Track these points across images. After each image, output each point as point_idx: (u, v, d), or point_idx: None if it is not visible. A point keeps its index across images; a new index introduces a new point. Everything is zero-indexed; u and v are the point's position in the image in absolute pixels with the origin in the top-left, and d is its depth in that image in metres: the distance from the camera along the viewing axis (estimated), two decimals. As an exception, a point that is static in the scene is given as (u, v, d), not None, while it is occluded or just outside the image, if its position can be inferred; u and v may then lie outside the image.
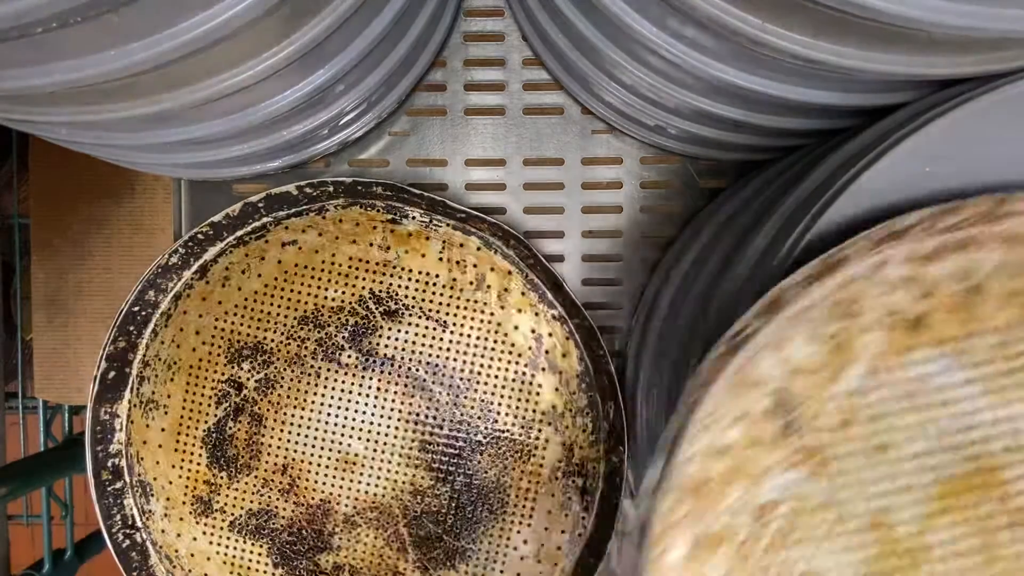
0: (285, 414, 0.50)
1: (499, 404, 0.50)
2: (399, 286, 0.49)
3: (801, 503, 0.27)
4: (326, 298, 0.50)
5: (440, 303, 0.49)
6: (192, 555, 0.49)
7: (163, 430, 0.49)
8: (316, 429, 0.50)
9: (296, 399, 0.50)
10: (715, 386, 0.26)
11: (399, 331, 0.50)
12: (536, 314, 0.49)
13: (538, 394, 0.49)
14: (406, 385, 0.50)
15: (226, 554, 0.50)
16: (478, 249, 0.48)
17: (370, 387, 0.50)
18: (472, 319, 0.49)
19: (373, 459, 0.50)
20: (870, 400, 0.27)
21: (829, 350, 0.26)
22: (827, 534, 0.27)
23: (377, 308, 0.50)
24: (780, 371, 0.26)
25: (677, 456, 0.25)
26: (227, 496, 0.50)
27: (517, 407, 0.50)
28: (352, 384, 0.50)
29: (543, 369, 0.49)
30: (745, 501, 0.26)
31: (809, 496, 0.27)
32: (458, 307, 0.49)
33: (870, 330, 0.26)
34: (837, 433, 0.27)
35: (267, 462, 0.50)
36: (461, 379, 0.50)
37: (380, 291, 0.50)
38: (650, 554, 0.25)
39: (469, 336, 0.50)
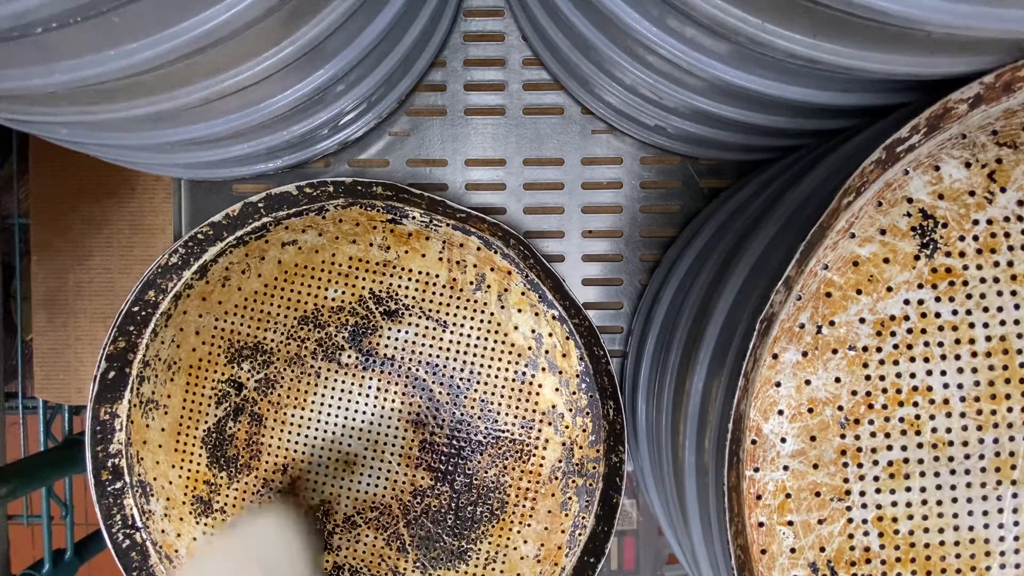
0: (285, 414, 0.50)
1: (499, 404, 0.50)
2: (399, 286, 0.49)
3: (926, 321, 0.28)
4: (326, 298, 0.50)
5: (440, 303, 0.49)
6: (192, 555, 0.49)
7: (163, 430, 0.49)
8: (316, 429, 0.50)
9: (296, 399, 0.50)
10: (862, 197, 0.26)
11: (399, 331, 0.50)
12: (536, 314, 0.49)
13: (538, 394, 0.49)
14: (406, 385, 0.50)
15: (226, 554, 0.50)
16: (478, 249, 0.48)
17: (370, 387, 0.50)
18: (472, 319, 0.49)
19: (373, 459, 0.50)
20: (1015, 230, 0.27)
21: (984, 176, 0.27)
22: (946, 354, 0.28)
23: (377, 308, 0.50)
24: (929, 191, 0.27)
25: (810, 262, 0.26)
26: (227, 496, 0.50)
27: (517, 407, 0.50)
28: (352, 384, 0.50)
29: (543, 369, 0.49)
30: (870, 312, 0.27)
31: (935, 315, 0.28)
32: (458, 307, 0.49)
33: None
34: (975, 259, 0.27)
35: (267, 462, 0.50)
36: (461, 379, 0.50)
37: (380, 291, 0.50)
38: (765, 356, 0.26)
39: (469, 336, 0.50)
